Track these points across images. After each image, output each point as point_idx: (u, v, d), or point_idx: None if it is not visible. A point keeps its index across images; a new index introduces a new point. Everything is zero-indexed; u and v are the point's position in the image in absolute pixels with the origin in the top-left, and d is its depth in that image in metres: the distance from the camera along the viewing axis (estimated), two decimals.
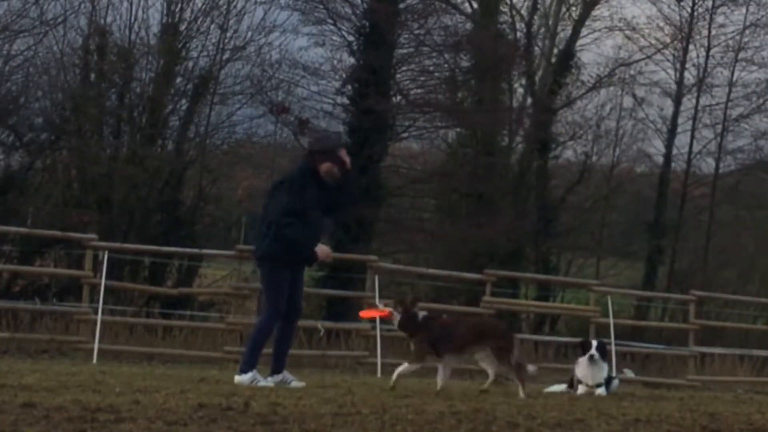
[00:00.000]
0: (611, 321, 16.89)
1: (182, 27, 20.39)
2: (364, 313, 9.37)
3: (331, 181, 9.39)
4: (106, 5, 19.89)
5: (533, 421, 6.81)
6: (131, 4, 19.90)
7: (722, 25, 24.22)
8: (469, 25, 23.25)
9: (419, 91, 23.27)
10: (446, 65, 23.36)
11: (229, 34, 20.70)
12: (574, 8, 24.30)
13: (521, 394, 8.80)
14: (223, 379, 9.52)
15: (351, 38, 22.24)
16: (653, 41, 24.26)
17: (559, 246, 23.33)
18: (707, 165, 24.81)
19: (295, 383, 9.21)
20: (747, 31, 24.12)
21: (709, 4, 23.99)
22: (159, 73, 20.09)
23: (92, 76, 19.91)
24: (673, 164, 24.35)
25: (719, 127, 24.18)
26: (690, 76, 24.22)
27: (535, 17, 24.05)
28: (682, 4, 24.04)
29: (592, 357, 10.81)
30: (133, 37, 19.98)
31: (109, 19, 19.98)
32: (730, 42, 24.18)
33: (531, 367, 9.23)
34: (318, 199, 9.35)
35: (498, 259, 20.19)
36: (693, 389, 15.56)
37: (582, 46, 24.21)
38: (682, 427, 7.05)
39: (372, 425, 6.14)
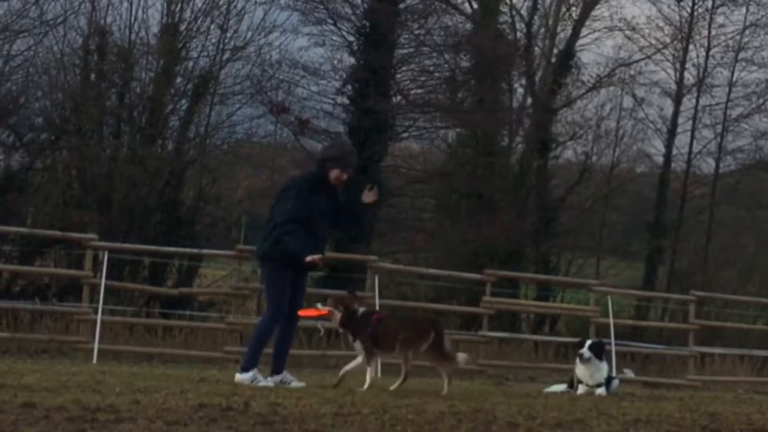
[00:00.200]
0: (611, 321, 16.88)
1: (182, 27, 20.38)
2: (303, 312, 9.40)
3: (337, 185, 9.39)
4: (106, 5, 19.92)
5: (533, 421, 6.82)
6: (131, 4, 19.92)
7: (722, 25, 24.25)
8: (469, 25, 23.26)
9: (419, 91, 23.28)
10: (446, 65, 23.37)
11: (229, 34, 20.71)
12: (574, 8, 24.31)
13: (445, 389, 8.78)
14: (223, 379, 9.52)
15: (351, 38, 22.27)
16: (653, 41, 24.29)
17: (559, 246, 23.33)
18: (707, 165, 24.85)
19: (295, 383, 9.22)
20: (747, 31, 24.15)
21: (709, 4, 24.02)
22: (159, 73, 20.08)
23: (92, 76, 19.90)
24: (673, 164, 24.37)
25: (719, 127, 24.19)
26: (690, 76, 24.26)
27: (535, 17, 24.07)
28: (682, 4, 24.06)
29: (581, 356, 10.82)
30: (133, 37, 19.99)
31: (109, 19, 20.00)
32: (730, 42, 24.21)
33: (461, 356, 9.13)
34: (325, 208, 9.33)
35: (498, 259, 20.20)
36: (693, 389, 15.56)
37: (582, 46, 24.24)
38: (682, 427, 7.05)
39: (372, 425, 6.14)
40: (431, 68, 23.33)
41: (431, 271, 18.26)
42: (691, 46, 24.05)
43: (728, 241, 24.59)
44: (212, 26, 20.61)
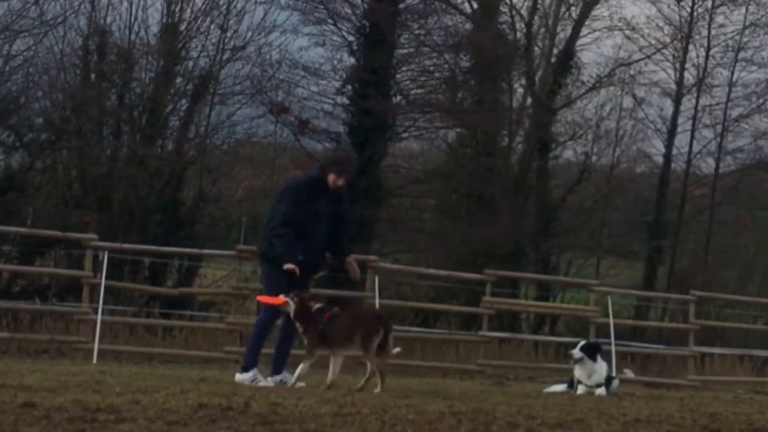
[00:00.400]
0: (611, 321, 16.88)
1: (182, 27, 20.38)
2: (261, 298, 9.54)
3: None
4: (106, 5, 19.91)
5: (533, 421, 6.82)
6: (131, 4, 19.91)
7: (722, 25, 24.20)
8: (469, 26, 23.25)
9: (419, 91, 23.28)
10: (446, 65, 23.36)
11: (229, 34, 20.70)
12: (574, 8, 24.27)
13: (378, 387, 8.78)
14: (223, 379, 9.52)
15: (351, 38, 22.27)
16: (653, 41, 24.25)
17: (559, 246, 23.31)
18: (707, 165, 24.81)
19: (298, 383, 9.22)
20: (747, 31, 24.11)
21: (709, 4, 23.97)
22: (159, 73, 20.08)
23: (92, 76, 19.90)
24: (673, 164, 24.34)
25: (719, 127, 24.15)
26: (690, 76, 24.22)
27: (535, 17, 24.02)
28: (681, 4, 24.02)
29: (570, 357, 10.83)
30: (133, 37, 19.98)
31: (109, 20, 20.00)
32: (730, 42, 24.18)
33: (396, 350, 9.14)
34: (324, 212, 9.33)
35: (498, 259, 20.17)
36: (693, 389, 15.57)
37: (582, 46, 24.20)
38: (682, 427, 7.05)
39: (372, 425, 6.14)
40: (431, 68, 23.33)
41: (431, 271, 18.24)
42: (690, 46, 24.04)
43: (728, 241, 24.57)
44: (212, 26, 20.63)
